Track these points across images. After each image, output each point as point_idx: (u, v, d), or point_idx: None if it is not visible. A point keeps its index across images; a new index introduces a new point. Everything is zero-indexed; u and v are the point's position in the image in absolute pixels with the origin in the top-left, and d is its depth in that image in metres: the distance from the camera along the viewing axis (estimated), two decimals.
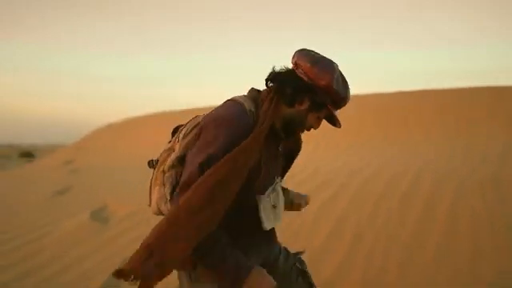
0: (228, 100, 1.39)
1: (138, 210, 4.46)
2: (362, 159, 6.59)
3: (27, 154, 33.21)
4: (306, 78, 1.36)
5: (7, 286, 3.17)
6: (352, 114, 9.90)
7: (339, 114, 1.43)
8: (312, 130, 1.47)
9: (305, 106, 1.39)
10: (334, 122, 1.44)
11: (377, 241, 3.35)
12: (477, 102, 8.98)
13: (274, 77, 1.39)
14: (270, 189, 1.45)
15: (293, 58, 1.40)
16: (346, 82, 1.42)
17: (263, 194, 1.41)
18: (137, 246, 3.98)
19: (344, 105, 1.43)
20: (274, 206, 1.46)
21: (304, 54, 1.39)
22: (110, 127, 13.33)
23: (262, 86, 1.42)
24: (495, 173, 4.52)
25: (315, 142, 8.73)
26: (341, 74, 1.42)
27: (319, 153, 8.11)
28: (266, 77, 1.41)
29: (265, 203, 1.42)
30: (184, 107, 14.92)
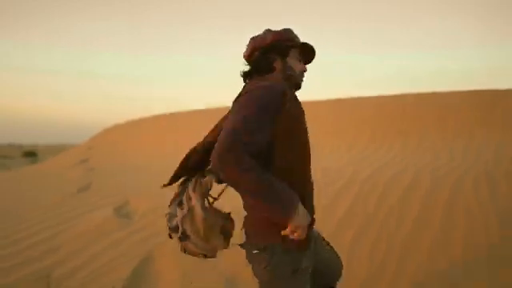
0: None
1: (158, 206, 4.78)
2: (364, 160, 6.88)
3: (30, 154, 33.39)
4: (263, 45, 1.64)
5: (37, 276, 3.44)
6: (354, 116, 10.17)
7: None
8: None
9: (278, 59, 1.64)
10: (307, 53, 1.70)
11: (378, 237, 3.62)
12: (473, 104, 9.28)
13: (250, 70, 1.65)
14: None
15: (247, 46, 1.68)
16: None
17: None
18: (160, 238, 4.38)
19: (298, 39, 1.69)
20: None
21: (251, 39, 1.68)
22: (117, 128, 13.61)
23: None
24: (489, 171, 4.81)
25: (321, 146, 9.00)
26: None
27: (324, 155, 8.38)
28: (243, 74, 1.65)
29: None
30: (187, 108, 15.27)
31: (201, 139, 1.74)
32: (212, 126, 1.75)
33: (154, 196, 5.27)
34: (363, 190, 4.59)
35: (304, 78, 1.72)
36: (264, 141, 1.41)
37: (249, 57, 1.67)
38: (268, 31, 1.69)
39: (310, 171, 1.61)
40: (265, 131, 1.40)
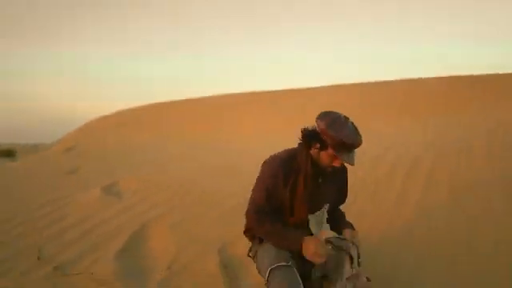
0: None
1: (149, 184, 4.82)
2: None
3: (8, 153, 32.50)
4: (316, 129, 1.99)
5: (33, 248, 3.49)
6: (354, 101, 10.31)
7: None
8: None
9: (316, 147, 1.99)
10: (344, 160, 1.95)
11: (368, 201, 3.73)
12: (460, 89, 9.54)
13: (303, 131, 2.05)
14: (318, 212, 2.14)
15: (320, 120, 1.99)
16: (348, 129, 1.92)
17: (313, 213, 2.13)
18: (155, 211, 4.44)
19: (345, 146, 1.92)
20: (321, 223, 2.17)
21: (320, 114, 1.99)
22: (105, 119, 13.54)
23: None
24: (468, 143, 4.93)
25: None
26: (344, 123, 1.93)
27: None
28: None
29: (312, 220, 2.14)
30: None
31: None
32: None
33: (144, 177, 5.32)
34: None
35: (332, 168, 2.06)
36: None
37: (314, 127, 2.02)
38: (325, 119, 1.97)
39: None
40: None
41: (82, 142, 10.09)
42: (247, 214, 2.13)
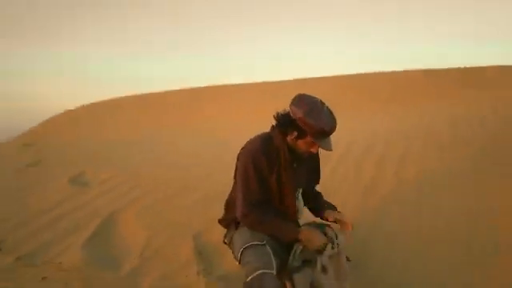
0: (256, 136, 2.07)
1: (118, 174, 4.67)
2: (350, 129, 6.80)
3: None
4: (292, 116, 1.92)
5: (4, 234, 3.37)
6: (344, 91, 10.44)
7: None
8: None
9: (293, 135, 1.94)
10: (323, 147, 1.93)
11: (336, 192, 3.71)
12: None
13: (277, 118, 1.99)
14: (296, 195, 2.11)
15: (296, 106, 1.92)
16: (325, 116, 1.89)
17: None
18: (126, 199, 4.26)
19: (324, 133, 1.90)
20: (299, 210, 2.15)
21: (294, 99, 1.95)
22: (68, 113, 13.05)
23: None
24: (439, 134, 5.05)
25: None
26: (321, 109, 1.89)
27: None
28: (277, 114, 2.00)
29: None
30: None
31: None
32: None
33: (112, 167, 5.17)
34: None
35: (309, 154, 2.04)
36: None
37: (289, 113, 1.95)
38: (302, 105, 1.90)
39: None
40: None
41: (43, 137, 9.61)
42: (243, 215, 2.01)
